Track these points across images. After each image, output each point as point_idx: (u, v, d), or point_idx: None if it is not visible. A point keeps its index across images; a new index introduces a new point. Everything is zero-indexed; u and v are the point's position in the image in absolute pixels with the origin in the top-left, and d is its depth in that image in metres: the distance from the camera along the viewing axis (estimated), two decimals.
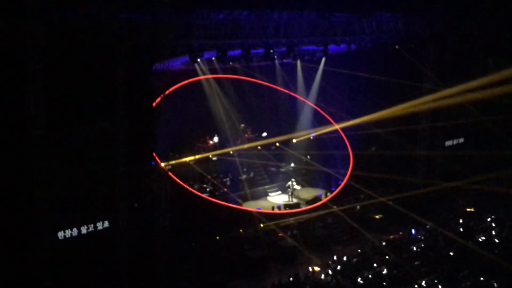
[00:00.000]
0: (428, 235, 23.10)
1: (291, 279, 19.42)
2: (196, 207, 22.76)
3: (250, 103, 28.83)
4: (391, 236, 23.37)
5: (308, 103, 29.24)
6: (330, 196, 26.41)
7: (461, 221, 24.56)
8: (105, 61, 16.81)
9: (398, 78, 26.68)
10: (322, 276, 19.38)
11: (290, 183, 26.50)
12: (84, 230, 17.27)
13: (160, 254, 19.34)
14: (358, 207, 26.00)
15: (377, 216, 25.36)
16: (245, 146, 27.34)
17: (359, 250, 21.98)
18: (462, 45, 28.55)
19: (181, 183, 23.17)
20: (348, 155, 28.09)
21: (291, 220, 24.21)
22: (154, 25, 17.57)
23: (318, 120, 29.08)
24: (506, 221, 24.24)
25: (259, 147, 27.95)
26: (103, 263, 17.76)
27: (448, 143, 30.34)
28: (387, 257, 20.71)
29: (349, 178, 27.06)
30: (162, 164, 20.39)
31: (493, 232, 22.89)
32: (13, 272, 15.86)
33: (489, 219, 24.57)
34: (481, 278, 18.76)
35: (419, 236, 23.01)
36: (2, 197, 15.56)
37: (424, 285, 18.49)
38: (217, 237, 22.29)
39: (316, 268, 20.26)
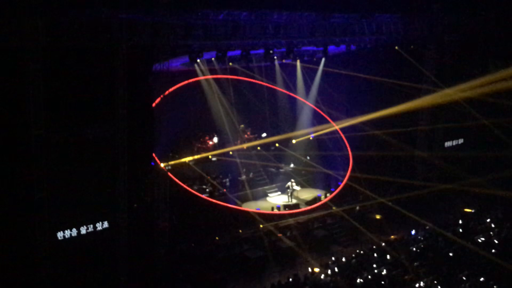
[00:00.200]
0: (428, 236, 23.11)
1: (290, 279, 19.42)
2: (196, 208, 22.79)
3: (250, 103, 28.84)
4: (391, 237, 23.38)
5: (307, 103, 29.26)
6: (329, 196, 26.42)
7: (460, 221, 24.58)
8: (105, 61, 16.83)
9: (397, 79, 26.71)
10: (322, 277, 19.39)
11: (289, 183, 26.50)
12: (83, 230, 17.29)
13: (160, 254, 19.34)
14: (357, 207, 26.02)
15: (377, 217, 25.36)
16: (245, 146, 27.36)
17: (358, 251, 21.98)
18: (461, 46, 28.58)
19: (180, 183, 23.18)
20: (348, 155, 28.11)
21: (291, 220, 24.22)
22: (153, 25, 17.60)
23: (318, 121, 29.09)
24: (505, 221, 24.26)
25: (258, 148, 27.98)
26: (103, 263, 17.77)
27: (448, 144, 30.39)
28: (387, 257, 20.72)
29: (349, 179, 27.09)
30: (162, 165, 20.41)
31: (492, 233, 22.90)
32: (13, 272, 15.86)
33: (488, 220, 24.59)
34: (481, 279, 18.77)
35: (419, 237, 23.01)
36: (2, 197, 15.57)
37: (424, 285, 18.50)
38: (217, 238, 22.29)
39: (316, 269, 20.26)
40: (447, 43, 27.93)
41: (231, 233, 22.84)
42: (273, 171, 28.31)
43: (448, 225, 24.18)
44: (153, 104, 19.79)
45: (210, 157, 26.43)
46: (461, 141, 31.14)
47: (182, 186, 23.19)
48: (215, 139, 27.23)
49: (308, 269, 20.50)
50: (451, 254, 20.93)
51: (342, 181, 27.32)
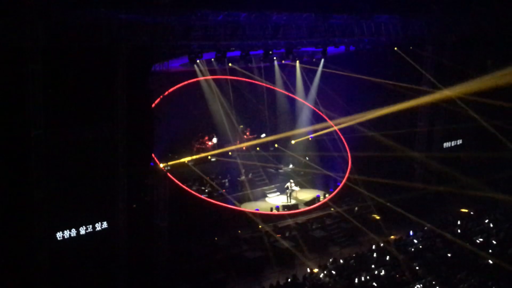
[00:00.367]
0: (426, 237, 23.13)
1: (289, 280, 19.44)
2: (195, 208, 22.79)
3: (249, 104, 28.87)
4: (389, 238, 23.40)
5: (307, 104, 29.28)
6: (328, 197, 26.46)
7: (459, 222, 24.60)
8: (104, 61, 16.83)
9: (396, 80, 26.75)
10: (320, 277, 19.40)
11: (288, 184, 26.53)
12: (82, 230, 17.27)
13: (159, 255, 19.34)
14: (356, 208, 26.05)
15: (376, 217, 25.38)
16: (244, 146, 27.37)
17: (357, 251, 22.00)
18: (460, 47, 28.61)
19: (179, 184, 23.19)
20: (347, 156, 28.14)
21: (290, 221, 24.24)
22: (153, 26, 17.57)
23: (317, 122, 29.10)
24: (503, 222, 24.29)
25: (257, 148, 28.00)
26: (102, 263, 17.76)
27: (446, 144, 30.41)
28: (386, 258, 20.74)
29: (347, 180, 27.12)
30: (161, 165, 20.42)
31: (491, 234, 22.93)
32: (12, 272, 15.85)
33: (486, 221, 24.62)
34: (479, 280, 18.79)
35: (417, 238, 23.03)
36: (1, 197, 15.57)
37: (422, 286, 18.52)
38: (216, 238, 22.30)
39: (314, 269, 20.28)
40: (446, 44, 27.97)
41: (230, 234, 22.85)
42: (272, 171, 28.35)
43: (446, 225, 24.21)
44: (153, 105, 19.80)
45: (209, 157, 26.45)
46: (459, 141, 31.17)
47: (181, 187, 23.20)
48: (215, 140, 27.25)
49: (307, 270, 20.53)
50: (449, 255, 20.97)
51: (341, 182, 27.36)
